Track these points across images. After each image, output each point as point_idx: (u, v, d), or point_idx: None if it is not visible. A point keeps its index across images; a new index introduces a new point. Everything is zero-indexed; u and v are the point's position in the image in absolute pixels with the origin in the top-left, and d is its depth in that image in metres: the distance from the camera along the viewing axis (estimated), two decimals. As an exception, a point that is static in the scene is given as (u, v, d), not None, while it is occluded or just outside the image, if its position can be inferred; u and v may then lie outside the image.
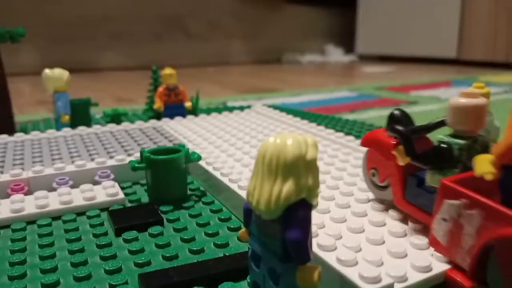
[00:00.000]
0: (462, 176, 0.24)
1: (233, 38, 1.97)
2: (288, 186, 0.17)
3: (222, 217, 0.32)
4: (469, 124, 0.25)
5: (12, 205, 0.33)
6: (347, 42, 2.14)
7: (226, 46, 1.96)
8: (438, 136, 0.26)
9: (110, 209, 0.34)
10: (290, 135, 0.18)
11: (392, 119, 0.29)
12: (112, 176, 0.39)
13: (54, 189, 0.37)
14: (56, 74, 0.55)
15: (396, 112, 0.29)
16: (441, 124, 0.27)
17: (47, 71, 0.55)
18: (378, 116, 0.77)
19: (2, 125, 0.59)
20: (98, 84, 1.39)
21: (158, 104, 0.62)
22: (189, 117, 0.62)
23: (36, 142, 0.49)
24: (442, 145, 0.26)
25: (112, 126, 0.55)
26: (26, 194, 0.36)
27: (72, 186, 0.38)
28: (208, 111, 0.67)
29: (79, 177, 0.39)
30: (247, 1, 1.97)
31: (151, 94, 0.68)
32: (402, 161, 0.27)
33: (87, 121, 0.62)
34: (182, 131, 0.53)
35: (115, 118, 0.65)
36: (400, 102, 0.92)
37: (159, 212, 0.33)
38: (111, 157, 0.43)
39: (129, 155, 0.44)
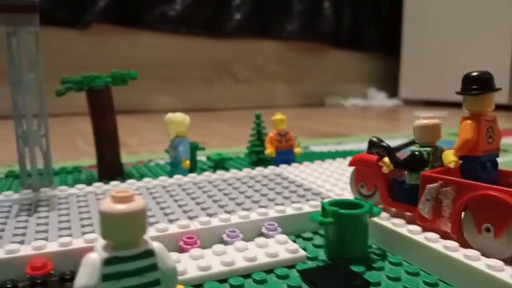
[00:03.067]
0: (434, 170, 0.35)
1: (277, 82, 1.99)
2: None
3: (428, 281, 0.29)
4: (430, 137, 0.37)
5: (197, 262, 0.31)
6: (390, 86, 2.14)
7: (271, 90, 1.98)
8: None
9: (299, 268, 0.31)
10: None
11: (372, 143, 0.40)
12: (280, 229, 0.37)
13: (223, 242, 0.35)
14: (179, 118, 0.54)
15: (374, 138, 0.40)
16: (411, 143, 0.39)
17: (170, 115, 0.54)
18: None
19: (112, 169, 0.58)
20: (156, 124, 1.39)
21: (270, 150, 0.60)
22: (295, 164, 0.59)
23: (170, 189, 0.47)
24: (416, 153, 0.37)
25: (235, 173, 0.53)
26: (199, 247, 0.34)
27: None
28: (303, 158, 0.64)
29: (245, 229, 0.36)
30: (292, 47, 2.00)
31: (253, 138, 0.66)
32: (387, 169, 0.38)
33: (195, 166, 0.60)
34: (310, 179, 0.51)
35: (220, 163, 0.63)
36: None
37: (360, 273, 0.30)
38: (268, 208, 0.40)
39: (276, 204, 0.42)
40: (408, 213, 0.38)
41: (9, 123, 1.39)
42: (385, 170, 0.38)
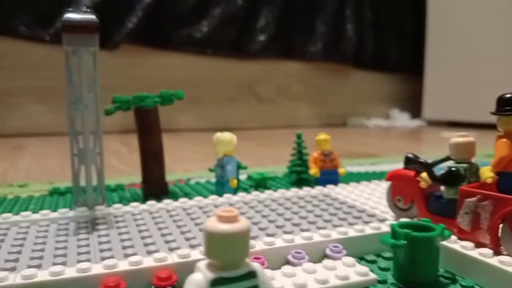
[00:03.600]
0: (472, 185, 0.37)
1: (300, 102, 2.00)
2: None
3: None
4: (466, 154, 0.39)
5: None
6: (413, 107, 2.12)
7: (294, 110, 1.98)
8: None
9: (373, 291, 0.31)
10: None
11: (408, 159, 0.43)
12: (344, 251, 0.36)
13: (289, 263, 0.34)
14: (228, 138, 0.54)
15: (410, 155, 0.43)
16: (447, 159, 0.41)
17: (219, 134, 0.54)
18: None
19: (158, 187, 0.58)
20: (183, 143, 1.40)
21: (314, 170, 0.60)
22: (341, 185, 0.58)
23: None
24: (453, 169, 0.39)
25: (283, 192, 0.53)
26: (266, 268, 0.33)
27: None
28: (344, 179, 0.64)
29: (309, 250, 0.36)
30: (315, 68, 2.01)
31: (294, 158, 0.66)
32: (425, 184, 0.40)
33: (237, 185, 0.60)
34: (361, 200, 0.50)
35: (262, 182, 0.63)
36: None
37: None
38: (327, 229, 0.40)
39: (334, 226, 0.41)
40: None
41: (45, 140, 1.40)
42: (423, 185, 0.40)
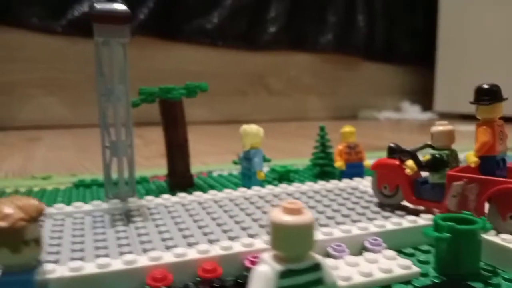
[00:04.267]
0: (457, 170, 0.40)
1: (311, 94, 1.99)
2: None
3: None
4: (447, 141, 0.43)
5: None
6: (424, 99, 2.11)
7: (304, 102, 1.98)
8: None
9: (418, 285, 0.31)
10: None
11: (392, 149, 0.45)
12: (384, 244, 0.36)
13: (329, 256, 0.34)
14: (254, 130, 0.54)
15: (392, 145, 0.45)
16: (425, 146, 0.44)
17: (245, 126, 0.54)
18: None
19: (183, 179, 0.58)
20: (196, 136, 1.40)
21: (339, 163, 0.59)
22: (368, 177, 0.58)
23: (254, 200, 0.46)
24: (437, 155, 0.42)
25: (310, 185, 0.52)
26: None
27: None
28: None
29: (348, 243, 0.36)
30: (325, 60, 2.00)
31: (317, 151, 0.66)
32: (411, 171, 0.42)
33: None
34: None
35: (285, 175, 0.63)
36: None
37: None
38: (362, 222, 0.40)
39: (369, 219, 0.41)
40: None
41: (58, 133, 1.40)
42: (409, 172, 0.43)
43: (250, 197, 0.48)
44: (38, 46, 1.53)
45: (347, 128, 0.61)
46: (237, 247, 0.33)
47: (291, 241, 0.19)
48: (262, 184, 0.53)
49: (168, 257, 0.31)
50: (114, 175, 0.46)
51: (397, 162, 0.44)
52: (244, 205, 0.45)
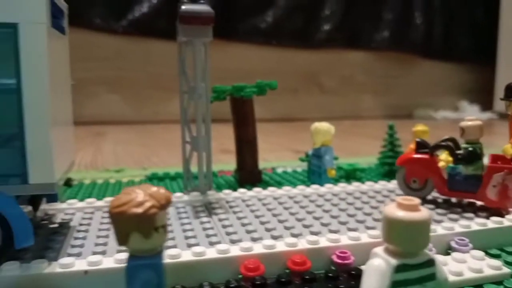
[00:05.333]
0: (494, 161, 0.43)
1: (364, 93, 1.96)
2: None
3: None
4: (477, 135, 0.44)
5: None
6: (483, 98, 2.02)
7: (358, 101, 1.95)
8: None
9: (508, 286, 0.30)
10: None
11: (420, 144, 0.47)
12: (471, 245, 0.35)
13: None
14: (325, 128, 0.54)
15: (421, 140, 0.48)
16: (449, 140, 0.46)
17: (317, 124, 0.55)
18: None
19: (252, 175, 0.60)
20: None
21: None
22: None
23: (328, 197, 0.47)
24: (470, 149, 0.44)
25: (384, 184, 0.52)
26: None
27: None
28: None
29: (434, 243, 0.35)
30: (380, 57, 1.96)
31: (385, 149, 0.65)
32: (445, 164, 0.45)
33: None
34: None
35: (352, 173, 0.63)
36: None
37: None
38: (447, 222, 0.39)
39: (450, 220, 0.40)
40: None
41: (121, 128, 1.45)
42: (444, 165, 0.45)
43: (324, 194, 0.48)
44: (101, 45, 1.61)
45: (420, 127, 0.60)
46: (323, 242, 0.33)
47: (410, 237, 0.20)
48: (332, 181, 0.54)
49: (258, 248, 0.32)
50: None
51: (427, 157, 0.46)
52: (319, 201, 0.46)
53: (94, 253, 0.33)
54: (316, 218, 0.40)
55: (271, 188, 0.49)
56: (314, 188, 0.50)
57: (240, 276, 0.31)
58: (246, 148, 0.60)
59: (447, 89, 2.08)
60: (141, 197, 0.20)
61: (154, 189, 0.21)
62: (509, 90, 0.43)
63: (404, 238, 0.20)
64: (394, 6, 1.93)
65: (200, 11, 0.43)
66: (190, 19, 0.43)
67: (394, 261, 0.20)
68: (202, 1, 0.45)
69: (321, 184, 0.51)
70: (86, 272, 0.29)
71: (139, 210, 0.19)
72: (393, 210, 0.20)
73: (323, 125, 0.54)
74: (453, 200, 0.47)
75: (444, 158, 0.45)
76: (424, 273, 0.20)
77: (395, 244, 0.20)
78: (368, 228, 0.38)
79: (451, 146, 0.45)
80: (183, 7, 0.43)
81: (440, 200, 0.47)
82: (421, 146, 0.47)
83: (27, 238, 0.30)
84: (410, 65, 2.02)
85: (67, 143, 0.37)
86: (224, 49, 1.72)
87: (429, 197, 0.47)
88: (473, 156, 0.44)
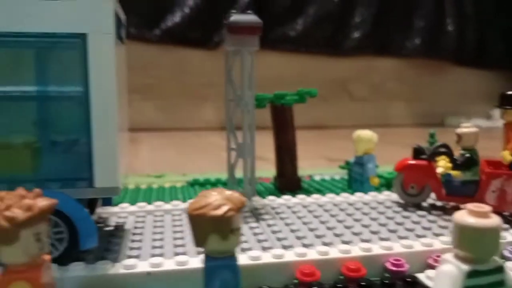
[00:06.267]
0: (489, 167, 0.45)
1: (395, 100, 1.94)
2: None
3: None
4: (473, 142, 0.46)
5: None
6: (519, 106, 1.97)
7: (388, 109, 1.93)
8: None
9: None
10: None
11: (417, 150, 0.49)
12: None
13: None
14: (368, 136, 0.54)
15: (418, 146, 0.49)
16: (441, 147, 0.48)
17: (359, 132, 0.55)
18: None
19: (291, 182, 0.60)
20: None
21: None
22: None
23: (374, 205, 0.47)
24: (467, 155, 0.46)
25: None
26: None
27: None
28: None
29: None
30: (411, 65, 1.94)
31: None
32: (445, 170, 0.45)
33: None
34: None
35: (392, 182, 0.62)
36: None
37: None
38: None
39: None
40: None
41: (155, 135, 1.49)
42: (443, 171, 0.45)
43: (369, 202, 0.49)
44: (135, 54, 1.65)
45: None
46: (376, 249, 0.34)
47: (481, 243, 0.20)
48: (372, 189, 0.54)
49: (312, 254, 0.33)
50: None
51: (426, 163, 0.47)
52: (365, 209, 0.46)
53: (153, 255, 0.34)
54: (365, 226, 0.40)
55: (314, 195, 0.50)
56: (358, 196, 0.50)
57: (296, 281, 0.31)
58: (286, 155, 0.60)
59: (479, 97, 2.04)
60: (219, 201, 0.21)
61: (229, 193, 0.22)
62: (504, 98, 0.45)
63: (475, 244, 0.20)
64: (426, 13, 1.92)
65: (248, 21, 0.45)
66: (239, 29, 0.44)
67: (465, 267, 0.20)
68: (249, 12, 0.46)
69: (365, 192, 0.51)
70: (148, 273, 0.30)
71: (219, 212, 0.20)
72: (464, 217, 0.20)
73: (366, 133, 0.55)
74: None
75: (443, 164, 0.46)
76: (494, 280, 0.21)
77: (466, 251, 0.20)
78: (418, 236, 0.38)
79: (450, 152, 0.46)
80: (232, 17, 0.45)
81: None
82: (418, 152, 0.48)
83: (92, 239, 0.31)
84: (442, 72, 1.99)
85: (124, 148, 0.38)
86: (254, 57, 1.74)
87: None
88: (471, 162, 0.46)
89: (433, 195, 0.47)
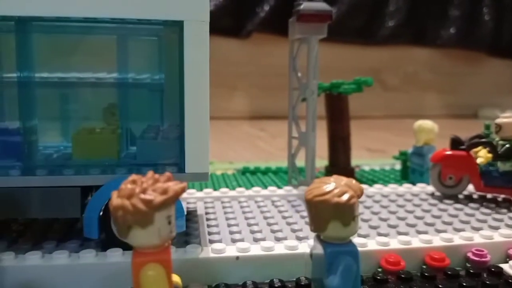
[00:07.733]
0: None
1: (428, 91, 1.91)
2: None
3: None
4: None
5: None
6: (555, 99, 1.92)
7: (421, 99, 1.90)
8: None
9: None
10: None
11: (455, 141, 0.48)
12: None
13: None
14: (429, 126, 0.54)
15: (455, 137, 0.48)
16: (477, 137, 0.48)
17: (421, 122, 0.55)
18: None
19: (345, 172, 0.60)
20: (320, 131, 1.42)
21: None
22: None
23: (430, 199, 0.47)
24: (507, 145, 0.45)
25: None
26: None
27: None
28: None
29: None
30: (446, 55, 1.90)
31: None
32: (485, 161, 0.45)
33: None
34: None
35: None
36: None
37: None
38: None
39: None
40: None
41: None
42: (483, 162, 0.45)
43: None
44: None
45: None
46: (457, 239, 0.34)
47: None
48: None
49: (394, 244, 0.33)
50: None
51: (465, 153, 0.47)
52: (430, 200, 0.46)
53: (233, 240, 0.34)
54: (436, 217, 0.40)
55: (377, 185, 0.49)
56: (421, 187, 0.50)
57: (380, 269, 0.31)
58: (339, 145, 0.60)
59: (515, 88, 1.99)
60: (341, 187, 0.21)
61: (346, 180, 0.22)
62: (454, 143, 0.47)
63: None
64: (462, 2, 1.87)
65: (319, 9, 0.44)
66: (310, 16, 0.44)
67: None
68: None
69: (427, 183, 0.51)
70: (237, 258, 0.30)
71: (343, 199, 0.20)
72: None
73: (427, 123, 0.54)
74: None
75: (483, 154, 0.45)
76: None
77: None
78: (492, 227, 0.38)
79: (492, 143, 0.45)
80: (303, 4, 0.44)
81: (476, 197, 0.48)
82: (456, 143, 0.48)
83: (181, 224, 0.32)
84: (477, 63, 1.95)
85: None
86: (286, 46, 1.73)
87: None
88: (511, 152, 0.45)
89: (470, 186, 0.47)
